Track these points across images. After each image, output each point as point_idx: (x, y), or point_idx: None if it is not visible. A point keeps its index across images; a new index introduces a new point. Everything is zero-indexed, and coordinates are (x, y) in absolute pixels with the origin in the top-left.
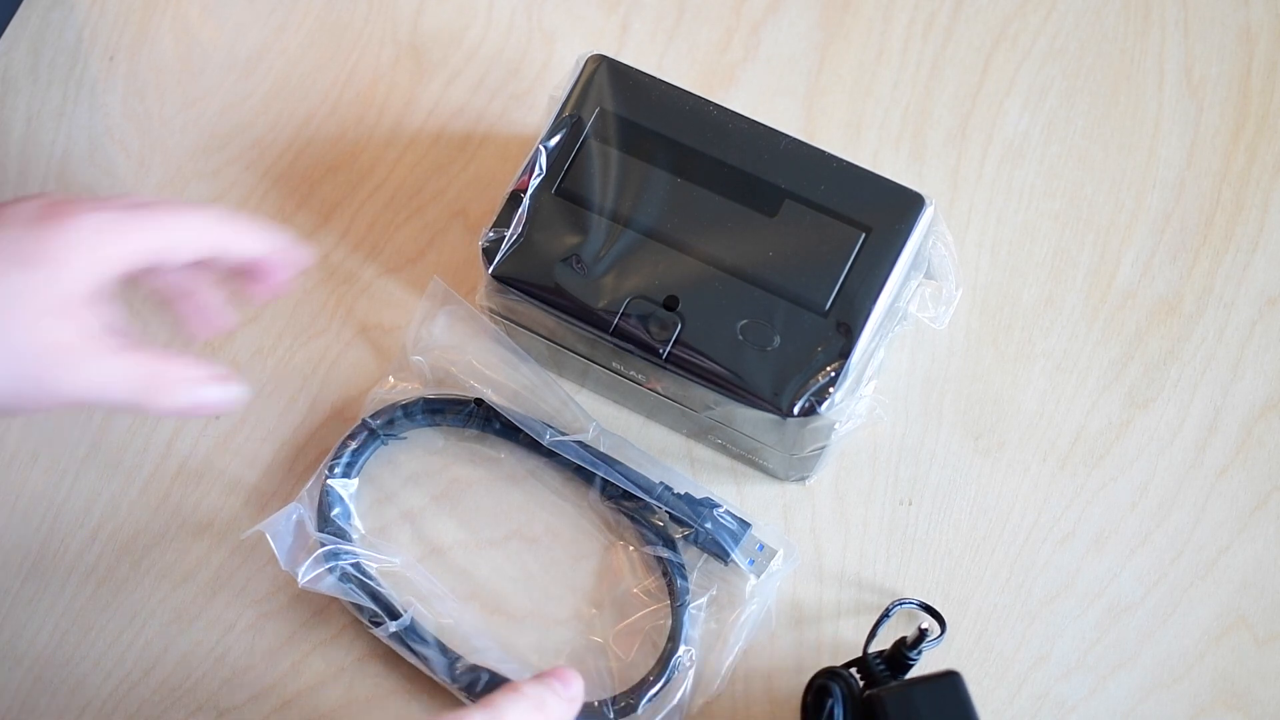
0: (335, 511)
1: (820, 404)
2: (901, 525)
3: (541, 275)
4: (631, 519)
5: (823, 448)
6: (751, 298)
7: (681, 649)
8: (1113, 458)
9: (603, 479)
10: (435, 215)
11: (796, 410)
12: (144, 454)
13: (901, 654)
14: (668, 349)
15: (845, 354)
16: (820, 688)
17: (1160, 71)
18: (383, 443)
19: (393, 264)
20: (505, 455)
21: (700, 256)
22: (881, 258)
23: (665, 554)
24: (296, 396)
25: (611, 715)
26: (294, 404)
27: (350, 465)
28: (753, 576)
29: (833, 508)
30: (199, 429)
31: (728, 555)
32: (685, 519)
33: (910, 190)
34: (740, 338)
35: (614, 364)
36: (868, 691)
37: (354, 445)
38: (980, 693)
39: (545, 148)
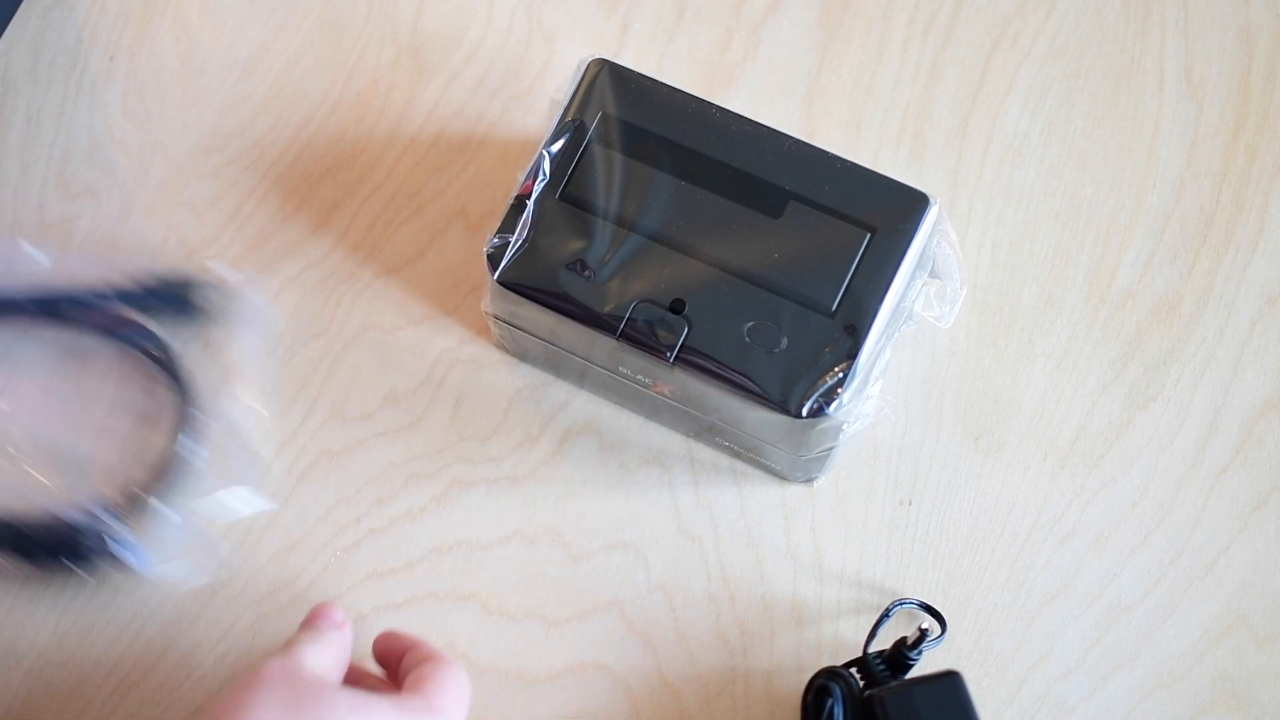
0: None
1: (829, 405)
2: (901, 525)
3: (547, 280)
4: (98, 334)
5: (830, 449)
6: (758, 300)
7: (192, 410)
8: (1113, 458)
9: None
10: (435, 215)
11: (805, 411)
12: None
13: (901, 654)
14: (675, 352)
15: (853, 354)
16: (820, 688)
17: (1160, 71)
18: None
19: (393, 264)
20: None
21: (706, 259)
22: (887, 257)
23: (130, 335)
24: (295, 397)
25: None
26: (293, 405)
27: None
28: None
29: (833, 508)
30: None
31: (187, 304)
32: (136, 302)
33: (914, 189)
34: (747, 340)
35: (620, 368)
36: (868, 691)
37: None
38: (980, 693)
39: (548, 153)
